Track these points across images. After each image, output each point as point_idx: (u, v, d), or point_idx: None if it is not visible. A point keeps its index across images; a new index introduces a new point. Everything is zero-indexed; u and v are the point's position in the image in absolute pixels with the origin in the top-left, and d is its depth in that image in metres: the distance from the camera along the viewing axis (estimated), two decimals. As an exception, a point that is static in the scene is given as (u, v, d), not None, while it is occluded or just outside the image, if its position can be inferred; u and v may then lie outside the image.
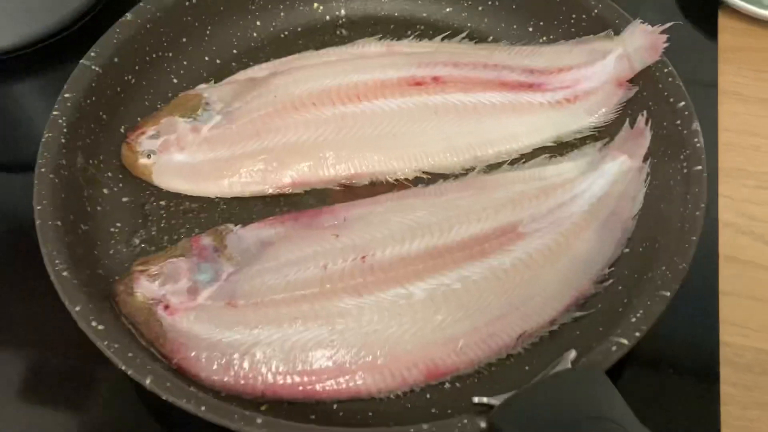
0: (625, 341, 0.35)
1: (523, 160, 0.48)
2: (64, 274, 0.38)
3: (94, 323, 0.36)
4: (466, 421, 0.33)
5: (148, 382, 0.34)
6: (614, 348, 0.35)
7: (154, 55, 0.51)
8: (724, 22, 0.57)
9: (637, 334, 0.35)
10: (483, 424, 0.32)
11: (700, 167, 0.41)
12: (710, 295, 0.44)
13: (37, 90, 0.57)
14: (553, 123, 0.49)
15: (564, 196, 0.45)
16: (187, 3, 0.51)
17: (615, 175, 0.45)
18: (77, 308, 0.37)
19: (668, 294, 0.36)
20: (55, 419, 0.41)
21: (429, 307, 0.40)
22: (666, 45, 0.46)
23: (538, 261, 0.42)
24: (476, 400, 0.34)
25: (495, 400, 0.33)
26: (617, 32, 0.49)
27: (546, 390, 0.32)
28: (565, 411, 0.31)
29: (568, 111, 0.49)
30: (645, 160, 0.45)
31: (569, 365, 0.34)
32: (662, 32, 0.46)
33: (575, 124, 0.49)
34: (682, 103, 0.44)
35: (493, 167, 0.48)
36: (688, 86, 0.45)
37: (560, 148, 0.48)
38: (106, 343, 0.36)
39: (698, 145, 0.42)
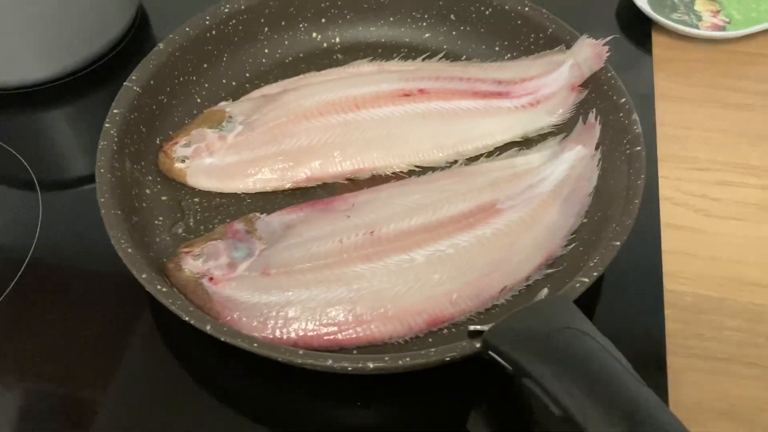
0: (585, 279, 0.44)
1: (497, 153, 0.57)
2: (129, 251, 0.46)
3: (158, 286, 0.44)
4: (464, 343, 0.41)
5: (208, 328, 0.43)
6: (578, 285, 0.44)
7: (181, 78, 0.60)
8: (657, 38, 0.67)
9: (595, 273, 0.44)
10: (478, 344, 0.41)
11: (639, 148, 0.51)
12: (655, 254, 0.53)
13: (76, 115, 0.65)
14: (520, 123, 0.59)
15: (533, 179, 0.54)
16: (207, 35, 0.61)
17: (573, 161, 0.55)
18: (144, 275, 0.45)
19: (618, 243, 0.46)
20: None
21: (428, 268, 0.49)
22: (608, 54, 0.56)
23: (514, 230, 0.51)
24: (471, 327, 0.42)
25: (486, 327, 0.42)
26: (568, 46, 0.59)
27: (526, 314, 0.41)
28: (541, 327, 0.40)
29: (533, 113, 0.59)
30: (597, 148, 0.55)
31: (541, 295, 0.43)
32: (605, 44, 0.57)
33: (539, 123, 0.59)
34: (623, 99, 0.54)
35: (472, 160, 0.57)
36: (630, 90, 0.55)
37: (527, 143, 0.58)
38: (170, 300, 0.44)
39: (637, 131, 0.52)
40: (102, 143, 0.52)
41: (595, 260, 0.45)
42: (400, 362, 0.41)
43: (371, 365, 0.41)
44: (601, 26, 0.67)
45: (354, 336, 0.47)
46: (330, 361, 0.41)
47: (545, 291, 0.44)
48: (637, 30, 0.68)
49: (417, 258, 0.49)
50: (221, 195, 0.56)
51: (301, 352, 0.42)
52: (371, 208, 0.52)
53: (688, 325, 0.49)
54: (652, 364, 0.47)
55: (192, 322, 0.43)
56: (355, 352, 0.47)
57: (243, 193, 0.56)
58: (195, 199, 0.55)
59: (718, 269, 0.52)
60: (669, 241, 0.54)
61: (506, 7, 0.62)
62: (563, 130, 0.58)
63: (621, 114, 0.54)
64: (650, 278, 0.52)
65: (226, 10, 0.61)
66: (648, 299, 0.51)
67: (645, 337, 0.48)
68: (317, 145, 0.56)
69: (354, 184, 0.56)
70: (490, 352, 0.40)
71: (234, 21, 0.62)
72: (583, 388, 0.35)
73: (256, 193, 0.56)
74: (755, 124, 0.60)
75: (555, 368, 0.37)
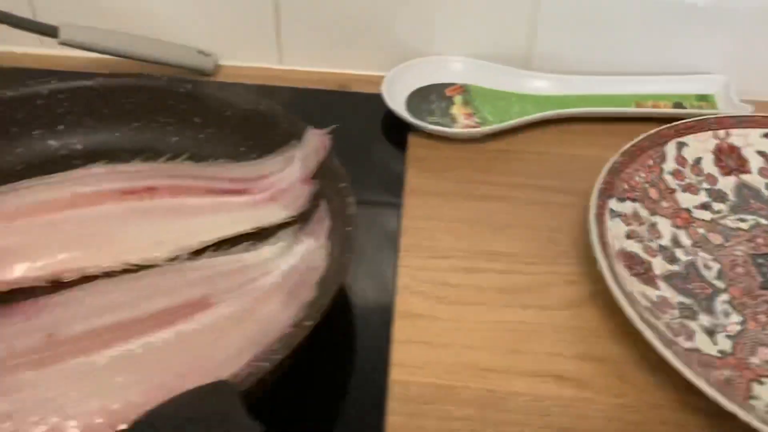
0: (265, 364, 0.39)
1: (227, 247, 0.53)
2: None
3: None
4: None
5: None
6: (254, 370, 0.39)
7: None
8: (413, 139, 0.68)
9: (277, 356, 0.40)
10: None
11: (350, 228, 0.48)
12: (383, 345, 0.49)
13: None
14: (255, 217, 0.56)
15: (255, 273, 0.51)
16: None
17: (303, 253, 0.52)
18: None
19: (310, 323, 0.42)
20: None
21: (110, 371, 0.43)
22: (331, 143, 0.55)
23: (224, 325, 0.46)
24: (120, 427, 0.36)
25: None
26: (299, 140, 0.58)
27: (186, 398, 0.36)
28: (199, 418, 0.34)
29: (269, 208, 0.56)
30: (328, 237, 0.52)
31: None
32: (327, 133, 0.56)
33: (275, 217, 0.56)
34: (344, 183, 0.52)
35: (197, 254, 0.53)
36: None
37: (261, 236, 0.54)
38: None
39: (350, 213, 0.49)
40: None
41: (281, 343, 0.41)
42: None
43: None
44: (367, 132, 0.68)
45: (7, 455, 0.39)
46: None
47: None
48: (398, 134, 0.69)
49: (98, 360, 0.43)
50: None
51: None
52: (55, 309, 0.46)
53: (412, 417, 0.45)
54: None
55: None
56: (9, 477, 0.39)
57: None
58: None
59: (451, 356, 0.48)
60: (402, 330, 0.50)
61: (243, 108, 0.61)
62: (300, 220, 0.55)
63: (343, 196, 0.51)
64: (376, 370, 0.47)
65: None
66: (371, 393, 0.46)
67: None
68: (15, 247, 0.51)
69: (58, 286, 0.50)
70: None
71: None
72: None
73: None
74: (501, 214, 0.60)
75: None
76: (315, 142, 0.56)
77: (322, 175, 0.55)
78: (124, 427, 0.36)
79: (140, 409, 0.41)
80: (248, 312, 0.48)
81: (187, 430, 0.33)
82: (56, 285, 0.50)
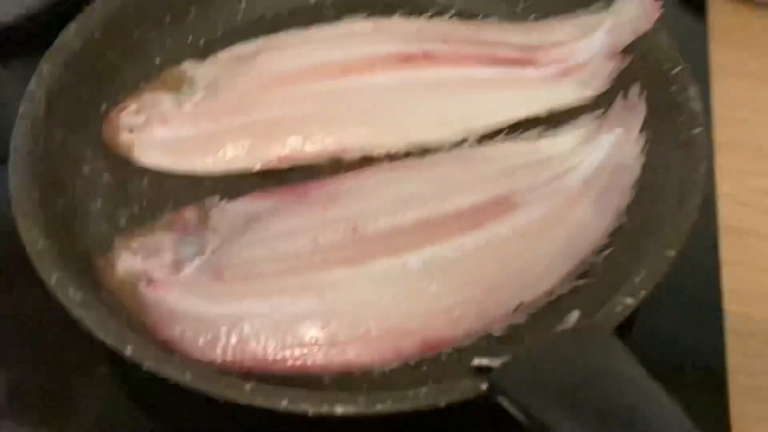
0: (630, 300, 0.33)
1: (517, 133, 0.46)
2: (40, 245, 0.36)
3: (71, 292, 0.34)
4: (466, 383, 0.31)
5: (128, 351, 0.33)
6: (619, 308, 0.33)
7: (135, 34, 0.49)
8: (714, 4, 0.56)
9: (643, 292, 0.34)
10: (484, 386, 0.31)
11: (698, 130, 0.40)
12: (711, 266, 0.42)
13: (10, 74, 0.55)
14: (545, 97, 0.48)
15: (559, 168, 0.44)
16: (169, -20, 0.50)
17: (610, 147, 0.44)
18: (54, 277, 0.35)
19: (672, 253, 0.35)
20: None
21: (424, 277, 0.38)
22: (661, 11, 0.45)
23: (534, 231, 0.41)
24: (476, 362, 0.32)
25: (496, 362, 0.31)
26: (608, 3, 0.48)
27: (548, 350, 0.31)
28: (569, 369, 0.29)
29: (561, 85, 0.48)
30: (641, 130, 0.44)
31: (570, 323, 0.33)
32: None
33: (568, 98, 0.48)
34: (678, 68, 0.43)
35: (485, 139, 0.46)
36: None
37: (554, 122, 0.47)
38: (84, 311, 0.34)
39: (696, 109, 0.41)
40: (23, 107, 0.42)
41: (642, 274, 0.35)
42: (379, 406, 0.31)
43: (339, 409, 0.31)
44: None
45: (326, 361, 0.37)
46: (285, 402, 0.31)
47: (575, 314, 0.33)
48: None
49: (410, 263, 0.39)
50: (175, 176, 0.45)
51: (248, 387, 0.32)
52: (355, 198, 0.42)
53: (757, 359, 0.39)
54: (711, 414, 0.36)
55: (107, 342, 0.33)
56: (326, 381, 0.37)
57: (202, 174, 0.45)
58: (143, 181, 0.45)
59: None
60: (730, 249, 0.43)
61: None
62: (599, 106, 0.47)
63: (674, 87, 0.43)
64: (705, 297, 0.41)
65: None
66: (703, 326, 0.40)
67: (701, 378, 0.38)
68: (293, 117, 0.46)
69: (338, 166, 0.45)
70: (500, 398, 0.30)
71: (204, -35, 0.51)
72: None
73: (218, 175, 0.45)
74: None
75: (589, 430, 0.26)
76: (635, 10, 0.46)
77: (637, 52, 0.46)
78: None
79: (456, 323, 0.38)
80: (556, 216, 0.41)
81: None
82: (334, 165, 0.45)
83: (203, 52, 0.51)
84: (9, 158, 0.40)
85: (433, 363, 0.37)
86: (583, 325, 0.33)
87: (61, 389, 0.39)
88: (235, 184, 0.45)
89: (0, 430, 0.38)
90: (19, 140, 0.40)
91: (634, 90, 0.45)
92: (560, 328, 0.32)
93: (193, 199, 0.44)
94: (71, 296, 0.34)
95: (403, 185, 0.42)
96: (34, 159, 0.40)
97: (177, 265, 0.39)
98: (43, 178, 0.40)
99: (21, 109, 0.42)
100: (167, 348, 0.37)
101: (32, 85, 0.43)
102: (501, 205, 0.42)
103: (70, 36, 0.45)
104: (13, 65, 0.54)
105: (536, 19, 0.52)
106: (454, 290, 0.38)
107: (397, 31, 0.51)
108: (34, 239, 0.36)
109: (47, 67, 0.44)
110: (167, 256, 0.40)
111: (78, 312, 0.34)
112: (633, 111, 0.45)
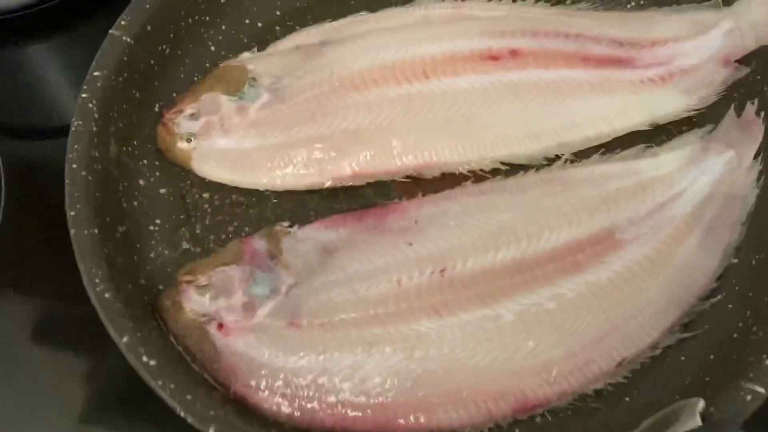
0: (761, 390, 0.30)
1: (615, 149, 0.42)
2: (107, 296, 0.33)
3: (144, 358, 0.32)
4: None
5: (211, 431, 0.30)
6: (749, 398, 0.30)
7: (189, 20, 0.44)
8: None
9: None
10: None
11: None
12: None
13: (51, 50, 0.51)
14: (645, 103, 0.43)
15: (664, 194, 0.40)
16: (226, -42, 0.45)
17: (720, 173, 0.40)
18: (125, 339, 0.32)
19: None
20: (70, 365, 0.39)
21: (519, 331, 0.35)
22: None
23: (638, 274, 0.37)
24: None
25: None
26: (728, 1, 0.42)
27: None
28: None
29: (663, 90, 0.43)
30: (757, 155, 0.40)
31: (697, 417, 0.29)
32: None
33: (670, 107, 0.43)
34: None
35: (579, 156, 0.42)
36: None
37: (656, 136, 0.42)
38: (160, 382, 0.31)
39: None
40: (77, 123, 0.38)
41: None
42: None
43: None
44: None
45: (413, 423, 0.34)
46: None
47: (701, 404, 0.30)
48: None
49: (504, 314, 0.36)
50: (238, 191, 0.42)
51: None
52: (440, 229, 0.38)
53: None
54: None
55: (189, 420, 0.30)
56: (412, 442, 0.35)
57: (267, 190, 0.41)
58: (204, 195, 0.42)
59: None
60: None
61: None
62: (706, 122, 0.42)
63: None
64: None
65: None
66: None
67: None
68: (370, 127, 0.41)
69: (416, 184, 0.41)
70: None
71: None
72: None
73: (284, 190, 0.41)
74: None
75: None
76: (761, 12, 0.40)
77: (758, 62, 0.41)
78: None
79: (554, 383, 0.35)
80: (662, 254, 0.38)
81: None
82: (414, 182, 0.41)
83: (261, 38, 0.46)
84: (64, 185, 0.36)
85: (526, 425, 0.35)
86: (711, 420, 0.29)
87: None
88: (304, 202, 0.41)
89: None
90: (74, 164, 0.36)
91: (751, 107, 0.40)
92: (686, 421, 0.29)
93: (258, 220, 0.41)
94: (145, 362, 0.32)
95: (493, 215, 0.38)
96: (90, 186, 0.37)
97: (249, 307, 0.36)
98: (102, 206, 0.37)
99: (73, 126, 0.37)
100: (240, 399, 0.34)
101: (83, 94, 0.38)
102: (602, 243, 0.38)
103: (120, 33, 0.40)
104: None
105: (635, 7, 0.46)
106: (552, 345, 0.35)
107: (480, 21, 0.45)
108: (99, 289, 0.33)
109: (98, 72, 0.39)
110: (238, 296, 0.37)
111: (153, 382, 0.31)
112: (748, 131, 0.40)
